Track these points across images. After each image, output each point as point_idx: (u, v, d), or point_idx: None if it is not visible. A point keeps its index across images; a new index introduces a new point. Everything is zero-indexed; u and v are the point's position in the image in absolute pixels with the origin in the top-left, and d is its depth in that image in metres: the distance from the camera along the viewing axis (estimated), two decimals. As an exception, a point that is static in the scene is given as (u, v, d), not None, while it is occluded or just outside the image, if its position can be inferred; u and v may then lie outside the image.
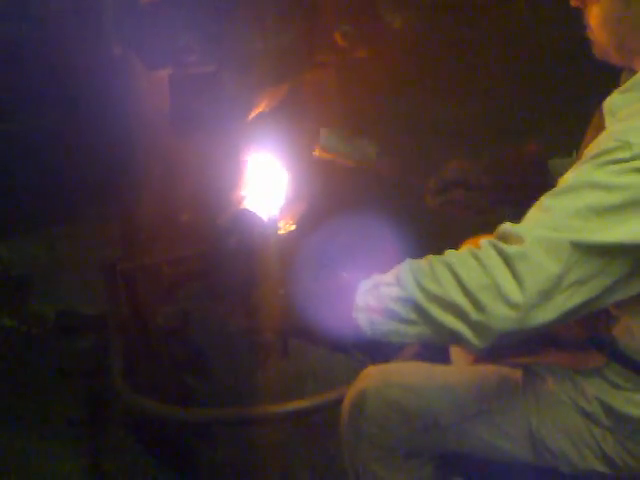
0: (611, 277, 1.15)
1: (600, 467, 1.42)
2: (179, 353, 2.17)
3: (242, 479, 2.12)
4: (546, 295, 1.13)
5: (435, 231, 2.53)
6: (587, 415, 1.40)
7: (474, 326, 1.15)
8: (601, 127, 1.27)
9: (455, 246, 1.87)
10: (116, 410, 2.24)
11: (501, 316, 1.13)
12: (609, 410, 1.37)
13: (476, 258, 1.17)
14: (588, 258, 1.13)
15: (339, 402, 1.63)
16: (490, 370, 1.52)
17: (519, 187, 1.72)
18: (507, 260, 1.14)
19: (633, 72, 1.33)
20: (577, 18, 1.36)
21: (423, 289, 1.18)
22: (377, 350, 1.25)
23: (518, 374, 1.49)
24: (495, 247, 1.16)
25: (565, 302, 1.14)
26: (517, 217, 1.22)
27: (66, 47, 2.11)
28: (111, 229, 2.40)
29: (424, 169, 1.78)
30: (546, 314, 1.14)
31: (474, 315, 1.15)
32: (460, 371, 1.56)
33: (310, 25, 1.93)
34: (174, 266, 2.09)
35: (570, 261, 1.12)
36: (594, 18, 1.30)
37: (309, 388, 2.17)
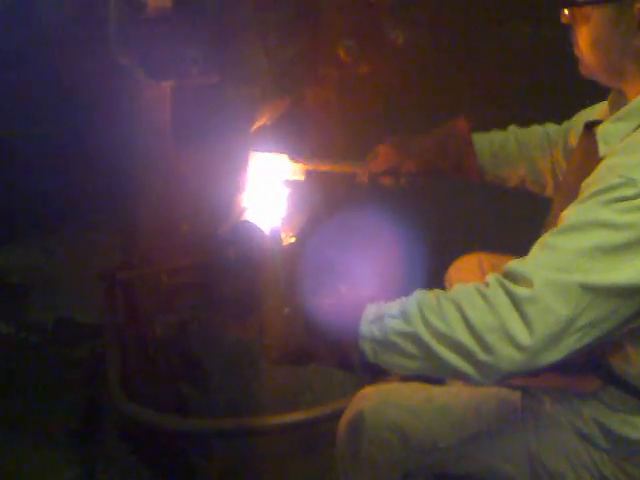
0: (621, 317, 1.15)
1: (597, 489, 1.42)
2: (176, 363, 2.17)
3: (237, 490, 2.12)
4: (555, 338, 1.13)
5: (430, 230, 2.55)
6: (584, 437, 1.40)
7: (479, 366, 1.15)
8: (591, 151, 1.27)
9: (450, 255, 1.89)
10: (112, 419, 2.23)
11: (508, 358, 1.13)
12: (606, 432, 1.37)
13: (484, 297, 1.16)
14: (600, 301, 1.13)
15: (336, 415, 1.63)
16: (489, 392, 1.52)
17: (448, 168, 1.74)
18: (516, 302, 1.13)
19: (621, 94, 1.33)
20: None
21: (428, 325, 1.17)
22: (381, 371, 1.25)
23: (516, 396, 1.49)
24: (503, 287, 1.16)
25: (575, 344, 1.14)
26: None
27: (70, 56, 2.11)
28: (110, 237, 2.40)
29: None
30: (554, 355, 1.14)
31: (480, 355, 1.14)
32: (459, 393, 1.55)
33: (313, 39, 1.93)
34: (173, 276, 2.08)
35: (580, 305, 1.12)
36: (583, 38, 1.29)
37: (306, 400, 2.17)
